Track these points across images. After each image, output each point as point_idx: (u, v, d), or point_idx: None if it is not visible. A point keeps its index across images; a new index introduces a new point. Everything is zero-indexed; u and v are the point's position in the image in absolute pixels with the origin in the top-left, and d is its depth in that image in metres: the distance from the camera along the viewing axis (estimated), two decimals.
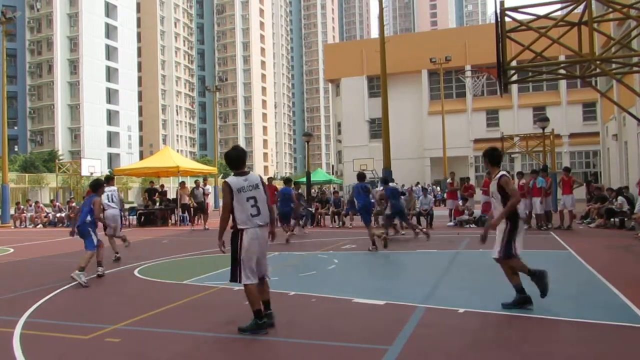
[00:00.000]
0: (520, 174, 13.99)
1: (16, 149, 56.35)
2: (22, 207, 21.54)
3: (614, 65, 9.19)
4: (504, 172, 4.88)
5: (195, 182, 18.41)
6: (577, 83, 34.72)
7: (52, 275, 7.71)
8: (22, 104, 60.83)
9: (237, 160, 4.37)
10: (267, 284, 4.49)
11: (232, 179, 4.29)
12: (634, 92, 9.57)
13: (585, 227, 13.69)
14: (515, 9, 8.58)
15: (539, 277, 4.71)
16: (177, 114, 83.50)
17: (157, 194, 19.84)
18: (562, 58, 22.14)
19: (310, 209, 15.63)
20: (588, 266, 7.22)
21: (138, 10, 74.32)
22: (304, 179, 22.95)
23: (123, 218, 18.00)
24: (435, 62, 31.12)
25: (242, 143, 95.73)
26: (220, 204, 5.64)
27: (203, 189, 17.33)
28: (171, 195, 22.70)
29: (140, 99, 73.96)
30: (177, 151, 55.07)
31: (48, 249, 11.78)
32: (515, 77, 9.66)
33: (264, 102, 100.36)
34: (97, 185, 7.33)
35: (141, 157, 62.73)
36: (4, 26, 22.12)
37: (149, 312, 5.10)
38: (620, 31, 17.82)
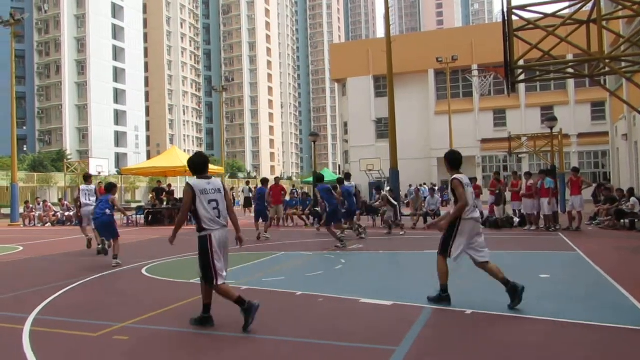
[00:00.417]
0: (528, 174, 13.86)
1: (25, 149, 56.88)
2: (31, 206, 21.75)
3: (623, 64, 9.11)
4: (457, 176, 5.00)
5: None
6: (585, 82, 34.42)
7: (60, 273, 7.79)
8: (31, 105, 61.36)
9: (203, 165, 4.58)
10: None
11: (194, 181, 4.45)
12: None
13: (595, 228, 13.56)
14: (522, 8, 8.52)
15: (511, 290, 4.78)
16: (184, 114, 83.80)
17: (164, 193, 19.98)
18: (570, 57, 22.05)
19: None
20: (597, 267, 7.15)
21: (144, 11, 74.69)
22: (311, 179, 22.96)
23: (129, 219, 18.11)
24: (442, 61, 30.94)
25: (248, 143, 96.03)
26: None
27: None
28: (178, 194, 22.81)
29: (147, 99, 74.37)
30: (184, 151, 55.23)
31: (56, 247, 11.88)
32: (522, 77, 9.59)
33: (270, 102, 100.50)
34: (112, 187, 9.07)
35: (148, 157, 63.03)
36: (13, 28, 22.34)
37: (156, 310, 5.13)
38: (630, 29, 17.62)
